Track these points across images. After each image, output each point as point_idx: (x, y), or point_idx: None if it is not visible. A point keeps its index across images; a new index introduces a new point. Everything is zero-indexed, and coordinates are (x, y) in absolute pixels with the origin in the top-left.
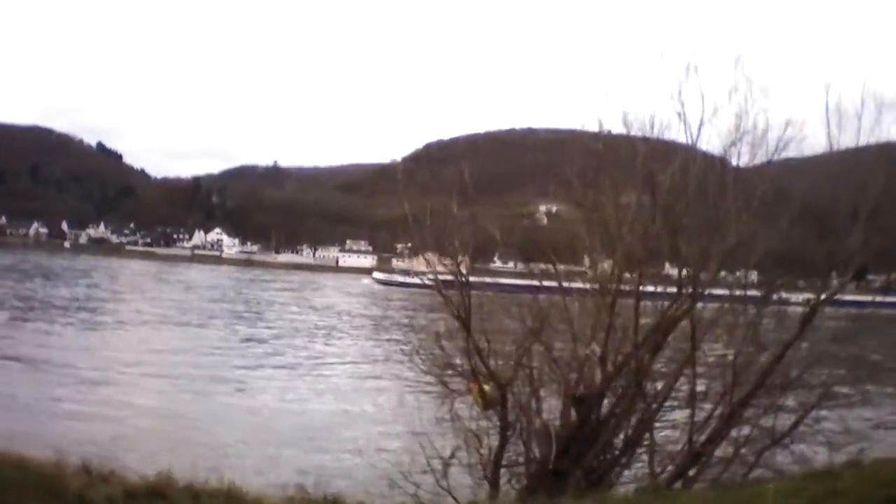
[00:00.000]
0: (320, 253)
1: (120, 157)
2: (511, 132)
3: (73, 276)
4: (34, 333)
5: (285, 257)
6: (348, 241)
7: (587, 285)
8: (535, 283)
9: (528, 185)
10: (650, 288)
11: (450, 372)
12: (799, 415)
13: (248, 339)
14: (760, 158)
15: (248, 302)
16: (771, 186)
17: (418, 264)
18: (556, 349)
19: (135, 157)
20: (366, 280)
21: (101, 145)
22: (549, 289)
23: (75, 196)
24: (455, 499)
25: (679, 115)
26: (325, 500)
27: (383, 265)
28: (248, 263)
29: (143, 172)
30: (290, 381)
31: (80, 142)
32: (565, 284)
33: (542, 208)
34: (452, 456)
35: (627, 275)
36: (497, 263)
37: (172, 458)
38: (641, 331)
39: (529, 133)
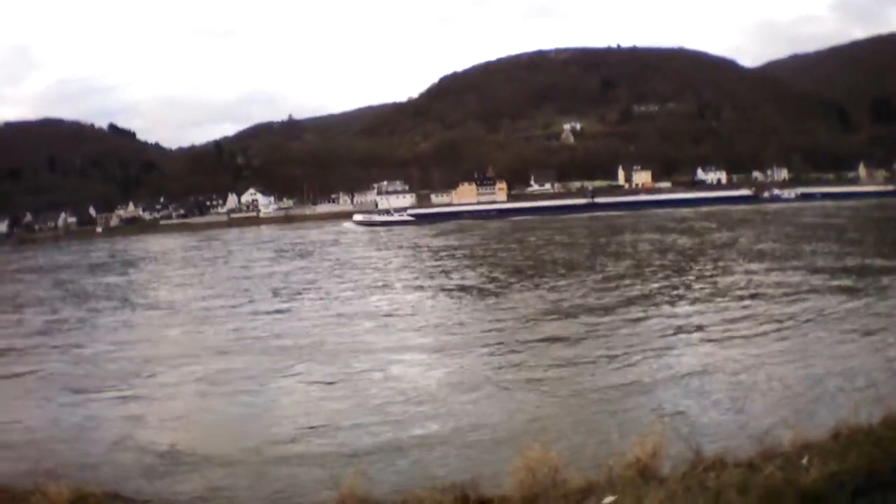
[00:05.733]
0: (358, 199)
1: (133, 135)
2: (521, 56)
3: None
4: None
5: (323, 208)
6: (384, 183)
7: None
8: None
9: (545, 106)
10: None
11: None
12: None
13: None
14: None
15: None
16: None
17: (458, 197)
18: None
19: (147, 132)
20: (346, 223)
21: (112, 126)
22: None
23: (98, 180)
24: None
25: None
26: None
27: (423, 202)
28: (287, 219)
29: (158, 146)
30: None
31: (92, 126)
32: None
33: (567, 126)
34: None
35: None
36: (534, 187)
37: None
38: None
39: (539, 55)
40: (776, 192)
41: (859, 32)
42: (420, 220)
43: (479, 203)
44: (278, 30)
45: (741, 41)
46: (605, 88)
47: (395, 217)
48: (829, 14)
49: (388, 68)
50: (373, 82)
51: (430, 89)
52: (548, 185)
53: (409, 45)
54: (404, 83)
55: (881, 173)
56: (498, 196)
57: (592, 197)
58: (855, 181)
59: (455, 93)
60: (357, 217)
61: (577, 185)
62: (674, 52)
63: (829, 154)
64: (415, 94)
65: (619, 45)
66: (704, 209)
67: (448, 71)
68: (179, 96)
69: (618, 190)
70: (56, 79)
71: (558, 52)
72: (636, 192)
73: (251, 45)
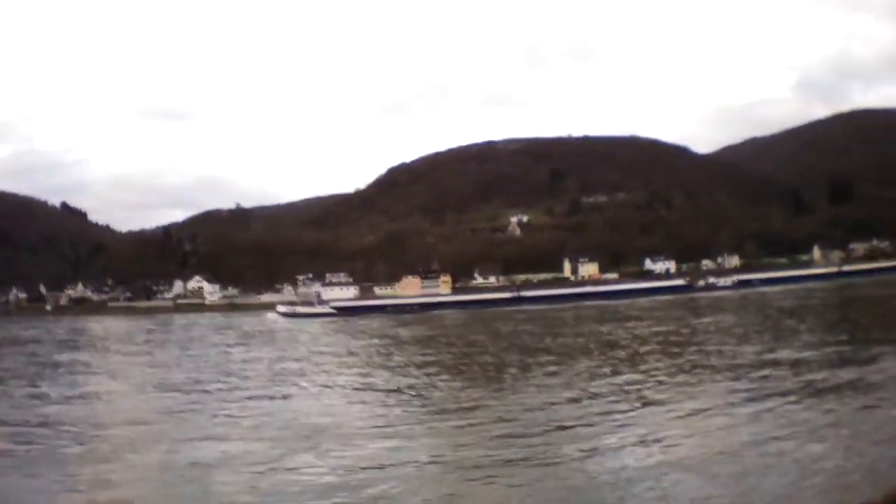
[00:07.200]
0: (302, 289)
1: (85, 215)
2: (471, 147)
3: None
4: None
5: (268, 297)
6: (328, 275)
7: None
8: None
9: (493, 198)
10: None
11: None
12: None
13: None
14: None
15: None
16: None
17: (401, 289)
18: None
19: (98, 213)
20: (270, 315)
21: (65, 205)
22: None
23: (48, 258)
24: None
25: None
26: None
27: (366, 294)
28: (232, 308)
29: (108, 228)
30: None
31: (45, 203)
32: None
33: (514, 219)
34: None
35: None
36: (478, 280)
37: None
38: None
39: (488, 146)
40: (711, 280)
41: (822, 112)
42: (342, 312)
43: (411, 296)
44: (231, 117)
45: (697, 127)
46: (554, 179)
47: (318, 309)
48: (791, 95)
49: (339, 158)
50: (323, 172)
51: (378, 180)
52: (492, 278)
53: (360, 134)
54: (355, 173)
55: (837, 254)
56: (442, 289)
57: (518, 291)
58: (809, 264)
59: (402, 184)
60: (280, 308)
61: (521, 277)
62: (626, 141)
63: (784, 238)
64: (362, 186)
65: (570, 135)
66: (640, 301)
67: (398, 161)
68: (133, 179)
69: (554, 283)
70: (9, 151)
71: (508, 142)
72: (583, 283)
73: (204, 132)
